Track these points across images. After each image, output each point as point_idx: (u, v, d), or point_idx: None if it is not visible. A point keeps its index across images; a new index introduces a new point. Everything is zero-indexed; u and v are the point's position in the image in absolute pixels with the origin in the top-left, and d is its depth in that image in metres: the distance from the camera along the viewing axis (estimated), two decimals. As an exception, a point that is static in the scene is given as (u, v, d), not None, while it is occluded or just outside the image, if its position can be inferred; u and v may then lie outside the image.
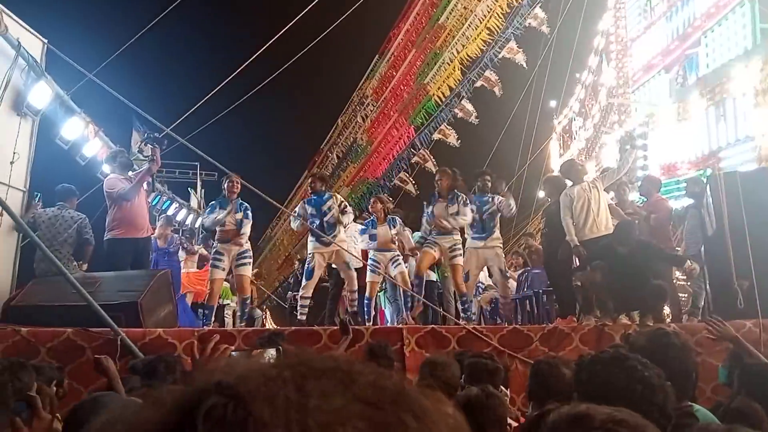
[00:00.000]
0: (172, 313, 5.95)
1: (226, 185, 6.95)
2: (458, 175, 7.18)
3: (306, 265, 7.17)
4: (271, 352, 1.74)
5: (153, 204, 9.14)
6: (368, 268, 7.37)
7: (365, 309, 7.34)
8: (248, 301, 7.13)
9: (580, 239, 6.25)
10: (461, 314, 6.96)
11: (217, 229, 6.94)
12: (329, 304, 7.85)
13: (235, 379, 0.49)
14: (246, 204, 7.04)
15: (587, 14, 15.93)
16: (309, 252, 7.10)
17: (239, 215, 6.90)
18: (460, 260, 6.96)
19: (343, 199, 7.45)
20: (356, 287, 7.09)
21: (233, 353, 1.69)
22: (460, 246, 7.01)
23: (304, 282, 7.05)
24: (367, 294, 7.32)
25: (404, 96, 14.58)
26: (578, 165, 7.18)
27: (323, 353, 0.56)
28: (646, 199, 7.82)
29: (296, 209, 7.46)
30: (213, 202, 7.15)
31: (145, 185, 6.97)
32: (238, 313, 7.21)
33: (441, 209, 6.91)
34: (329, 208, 6.97)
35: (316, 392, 0.48)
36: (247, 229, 6.97)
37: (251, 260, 7.10)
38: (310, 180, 7.64)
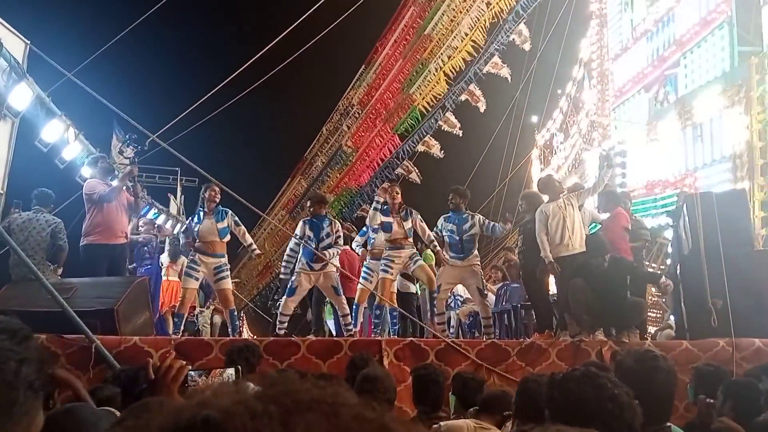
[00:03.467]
0: (148, 321, 5.89)
1: (206, 194, 6.78)
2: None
3: (290, 283, 7.04)
4: (230, 372, 1.72)
5: (143, 214, 9.06)
6: (361, 275, 7.34)
7: (353, 315, 7.21)
8: (236, 313, 7.03)
9: (555, 256, 6.30)
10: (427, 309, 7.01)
11: (198, 241, 6.81)
12: (314, 308, 7.75)
13: (222, 414, 0.49)
14: (228, 210, 6.89)
15: (570, 31, 16.19)
16: (296, 270, 6.97)
17: (222, 224, 6.80)
18: (422, 261, 7.07)
19: (339, 227, 7.35)
20: (348, 311, 6.97)
21: (191, 372, 1.67)
22: (416, 253, 7.08)
23: (284, 298, 6.95)
24: (356, 300, 7.25)
25: (390, 105, 14.65)
26: (555, 181, 7.23)
27: (305, 378, 0.55)
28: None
29: (296, 230, 7.25)
30: (192, 216, 7.03)
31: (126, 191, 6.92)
32: (229, 327, 7.13)
33: (397, 225, 6.94)
34: (327, 234, 6.88)
35: (300, 428, 0.48)
36: (241, 231, 6.93)
37: (229, 272, 6.99)
38: (309, 203, 7.39)
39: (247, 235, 7.25)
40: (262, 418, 0.49)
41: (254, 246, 7.35)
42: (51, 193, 6.76)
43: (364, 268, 7.38)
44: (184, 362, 1.60)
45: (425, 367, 4.05)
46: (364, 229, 7.76)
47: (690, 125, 11.28)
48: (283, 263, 7.68)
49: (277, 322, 6.90)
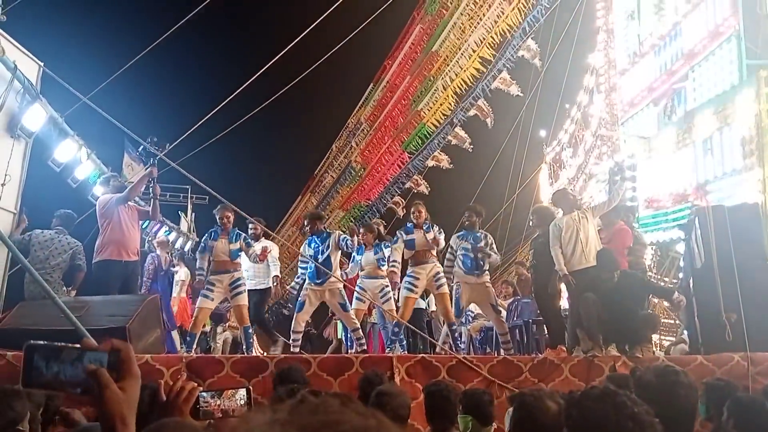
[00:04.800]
0: (159, 338, 5.90)
1: (219, 216, 6.88)
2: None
3: (298, 297, 7.14)
4: (242, 393, 1.72)
5: (143, 228, 9.06)
6: (354, 296, 7.34)
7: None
8: (250, 330, 7.05)
9: (569, 270, 6.28)
10: (446, 341, 6.96)
11: (212, 259, 6.91)
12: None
13: None
14: (241, 233, 7.02)
15: (578, 44, 16.24)
16: (304, 287, 7.09)
17: (234, 245, 6.86)
18: (445, 288, 6.97)
19: (341, 233, 7.39)
20: (357, 326, 7.01)
21: (203, 393, 1.66)
22: (442, 273, 7.02)
23: (295, 315, 7.01)
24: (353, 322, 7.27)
25: (398, 122, 14.73)
26: (570, 195, 7.23)
27: (345, 407, 0.54)
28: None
29: (303, 252, 7.33)
30: (205, 236, 7.10)
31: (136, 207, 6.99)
32: (243, 344, 7.15)
33: (420, 238, 6.96)
34: (327, 247, 6.94)
35: None
36: (248, 252, 6.95)
37: (245, 288, 7.03)
38: (307, 222, 7.45)
39: (254, 253, 7.17)
40: None
41: (256, 252, 7.20)
42: (74, 215, 6.91)
43: (357, 288, 7.39)
44: (195, 384, 1.59)
45: (437, 383, 4.02)
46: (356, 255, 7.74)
47: (700, 139, 11.24)
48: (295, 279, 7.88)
49: (291, 340, 6.94)
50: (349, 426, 0.49)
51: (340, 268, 7.36)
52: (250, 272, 7.61)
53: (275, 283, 7.91)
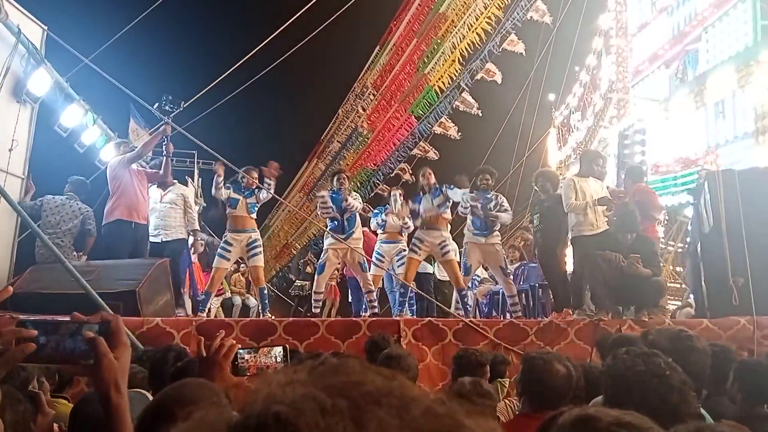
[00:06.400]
0: (169, 302, 5.97)
1: (241, 178, 6.89)
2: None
3: (319, 260, 7.21)
4: (278, 350, 1.75)
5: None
6: (373, 260, 7.39)
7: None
8: (266, 291, 7.16)
9: (578, 234, 6.25)
10: (458, 307, 7.01)
11: (228, 215, 6.92)
12: None
13: (292, 410, 0.48)
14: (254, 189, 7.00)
15: (588, 5, 15.88)
16: (324, 247, 7.14)
17: (252, 199, 6.92)
18: (451, 255, 6.98)
19: (351, 191, 7.43)
20: (372, 288, 7.06)
21: (240, 350, 1.70)
22: (449, 241, 7.01)
23: (316, 277, 7.16)
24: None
25: (405, 86, 14.55)
26: (600, 158, 6.96)
27: (366, 368, 0.54)
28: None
29: (323, 195, 7.25)
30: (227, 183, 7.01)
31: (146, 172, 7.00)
32: (259, 306, 7.23)
33: (428, 203, 6.94)
34: (348, 205, 6.97)
35: (373, 425, 0.47)
36: (265, 196, 6.98)
37: (261, 249, 7.09)
38: (336, 177, 7.33)
39: (264, 193, 7.12)
40: (333, 415, 0.47)
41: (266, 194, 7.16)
42: (86, 182, 6.96)
43: (375, 253, 7.43)
44: (234, 341, 1.64)
45: (465, 350, 4.06)
46: (376, 211, 7.79)
47: (710, 102, 11.07)
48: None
49: (312, 302, 7.10)
50: (372, 386, 0.50)
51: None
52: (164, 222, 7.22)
53: (194, 237, 7.73)
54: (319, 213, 7.48)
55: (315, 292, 7.09)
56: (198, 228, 7.88)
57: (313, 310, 7.11)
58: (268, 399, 0.50)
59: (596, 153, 7.41)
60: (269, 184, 6.92)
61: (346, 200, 6.94)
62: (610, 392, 2.01)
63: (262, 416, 0.48)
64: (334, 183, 7.25)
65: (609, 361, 1.96)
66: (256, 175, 6.93)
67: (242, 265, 10.06)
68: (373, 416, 0.47)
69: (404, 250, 7.35)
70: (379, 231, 7.78)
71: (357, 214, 7.06)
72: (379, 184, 14.37)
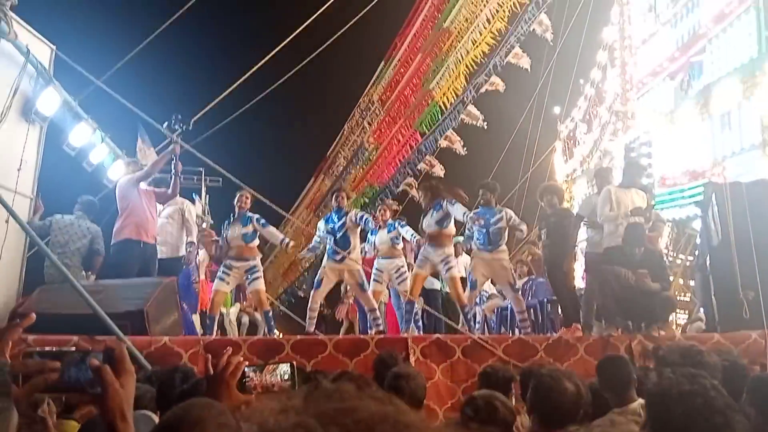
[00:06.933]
0: (177, 321, 5.96)
1: (236, 201, 7.02)
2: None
3: (316, 275, 7.19)
4: (284, 368, 1.74)
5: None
6: (372, 277, 7.36)
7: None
8: (270, 314, 7.17)
9: (601, 248, 6.22)
10: (462, 324, 6.98)
11: (230, 246, 7.03)
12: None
13: None
14: (254, 216, 7.06)
15: (592, 19, 15.96)
16: (322, 264, 7.14)
17: (247, 229, 6.93)
18: (455, 271, 6.95)
19: (358, 211, 7.45)
20: (375, 307, 7.04)
21: (246, 368, 1.69)
22: (452, 258, 7.00)
23: (312, 292, 7.09)
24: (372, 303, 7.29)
25: (411, 101, 14.61)
26: (642, 168, 7.06)
27: (361, 392, 0.54)
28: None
29: (319, 227, 7.40)
30: (225, 222, 7.22)
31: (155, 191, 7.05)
32: (265, 328, 7.25)
33: (428, 220, 6.94)
34: (343, 225, 6.98)
35: None
36: (268, 232, 7.05)
37: (261, 274, 7.12)
38: (336, 195, 7.42)
39: (276, 231, 7.33)
40: None
41: (286, 239, 7.38)
42: (96, 203, 7.00)
43: (373, 270, 7.40)
44: (241, 359, 1.63)
45: (492, 366, 4.03)
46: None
47: (716, 113, 11.04)
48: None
49: (307, 318, 7.02)
50: (366, 413, 0.49)
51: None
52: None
53: (189, 249, 7.82)
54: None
55: (310, 309, 7.00)
56: (195, 241, 7.93)
57: (307, 327, 7.02)
58: (262, 428, 0.49)
59: (640, 164, 7.45)
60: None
61: (353, 219, 6.96)
62: (654, 410, 2.02)
63: None
64: (333, 201, 7.30)
65: (654, 379, 1.96)
66: (248, 202, 7.03)
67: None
68: None
69: (402, 266, 7.31)
70: (373, 251, 7.73)
71: (350, 234, 7.00)
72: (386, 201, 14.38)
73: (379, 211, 7.50)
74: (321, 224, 7.33)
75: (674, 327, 7.10)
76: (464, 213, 6.74)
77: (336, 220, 7.05)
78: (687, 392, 1.85)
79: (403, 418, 0.50)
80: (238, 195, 7.04)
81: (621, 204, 6.18)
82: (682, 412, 1.79)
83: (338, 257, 6.90)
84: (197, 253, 8.26)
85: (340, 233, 6.95)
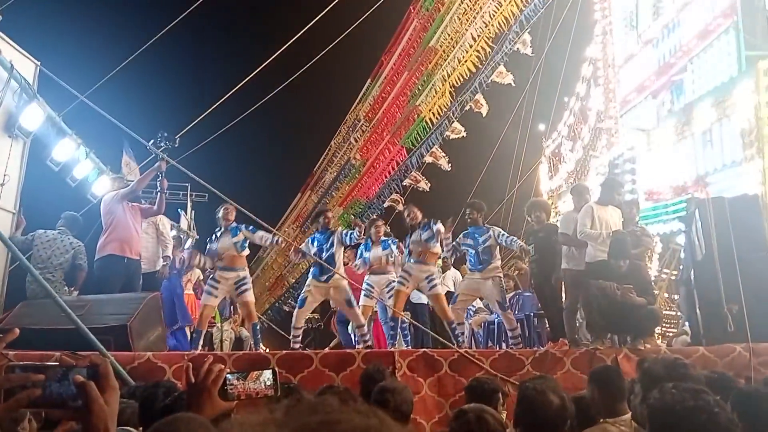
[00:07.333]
0: (161, 336, 5.90)
1: (221, 214, 6.98)
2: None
3: (301, 294, 7.15)
4: (267, 375, 1.72)
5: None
6: (362, 292, 7.34)
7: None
8: (258, 326, 7.11)
9: (593, 259, 6.23)
10: (453, 339, 6.95)
11: (219, 258, 6.97)
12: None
13: None
14: (242, 225, 7.03)
15: (575, 38, 16.20)
16: (307, 283, 7.09)
17: (238, 238, 6.90)
18: (438, 289, 6.96)
19: (343, 228, 7.43)
20: (363, 323, 7.00)
21: (228, 375, 1.67)
22: (435, 275, 7.01)
23: (295, 311, 7.04)
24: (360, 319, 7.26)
25: (397, 117, 14.69)
26: (620, 187, 7.11)
27: (345, 405, 0.53)
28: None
29: (302, 246, 7.45)
30: (210, 238, 7.19)
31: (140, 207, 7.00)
32: (251, 341, 7.18)
33: (416, 237, 6.94)
34: (331, 244, 6.95)
35: None
36: (258, 236, 7.03)
37: (251, 286, 7.07)
38: (323, 217, 7.35)
39: (265, 233, 7.25)
40: None
41: (276, 237, 7.44)
42: (79, 218, 6.95)
43: (364, 285, 7.37)
44: (222, 366, 1.60)
45: (478, 380, 4.01)
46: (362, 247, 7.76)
47: (698, 131, 11.21)
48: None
49: (291, 337, 6.95)
50: (348, 426, 0.48)
51: (345, 264, 7.40)
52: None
53: (165, 263, 7.80)
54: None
55: (294, 327, 6.95)
56: (170, 255, 7.89)
57: (292, 345, 6.94)
58: None
59: (617, 181, 7.48)
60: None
61: (340, 239, 6.95)
62: (657, 426, 2.01)
63: None
64: (319, 222, 7.26)
65: (656, 395, 1.96)
66: (233, 214, 6.99)
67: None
68: None
69: (393, 281, 7.30)
70: (363, 268, 7.69)
71: (336, 252, 6.96)
72: (372, 217, 14.38)
73: (374, 228, 7.53)
74: (307, 245, 7.29)
75: (659, 340, 7.11)
76: (446, 240, 6.85)
77: (323, 240, 7.01)
78: (691, 408, 1.85)
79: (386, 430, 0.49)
80: (222, 208, 7.00)
81: (602, 221, 6.24)
82: (687, 428, 1.80)
83: (324, 278, 6.86)
84: (181, 268, 8.20)
85: (328, 254, 6.91)
